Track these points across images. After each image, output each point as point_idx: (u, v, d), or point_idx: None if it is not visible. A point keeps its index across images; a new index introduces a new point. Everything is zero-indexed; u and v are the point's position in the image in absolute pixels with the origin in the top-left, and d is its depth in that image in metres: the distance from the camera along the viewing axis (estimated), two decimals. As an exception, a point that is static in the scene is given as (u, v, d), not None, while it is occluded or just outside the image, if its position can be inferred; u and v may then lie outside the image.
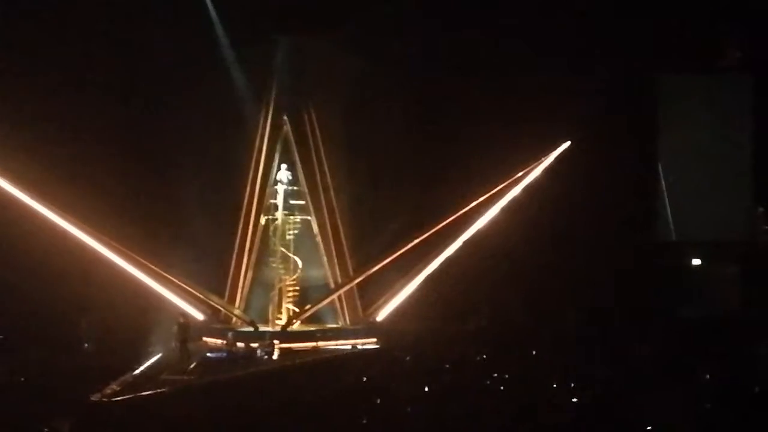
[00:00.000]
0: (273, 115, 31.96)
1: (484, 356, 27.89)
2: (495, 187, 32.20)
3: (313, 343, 30.23)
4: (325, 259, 31.87)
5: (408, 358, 27.59)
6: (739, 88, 34.35)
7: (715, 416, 20.87)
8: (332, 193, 31.94)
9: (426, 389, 23.20)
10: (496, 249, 32.14)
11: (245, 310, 31.61)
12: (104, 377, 24.31)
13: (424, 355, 27.77)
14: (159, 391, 23.71)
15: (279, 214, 31.49)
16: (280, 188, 31.58)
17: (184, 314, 29.45)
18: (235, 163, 31.86)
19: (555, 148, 33.02)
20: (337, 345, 30.50)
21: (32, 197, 28.78)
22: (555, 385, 23.43)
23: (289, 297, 31.45)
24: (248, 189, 31.90)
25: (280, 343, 29.12)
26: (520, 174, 32.57)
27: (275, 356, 28.59)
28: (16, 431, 20.09)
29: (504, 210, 32.29)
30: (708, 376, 24.03)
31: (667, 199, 34.65)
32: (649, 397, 22.07)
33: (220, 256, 31.66)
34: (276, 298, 31.42)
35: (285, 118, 31.81)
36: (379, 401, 22.02)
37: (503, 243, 32.11)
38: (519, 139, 31.62)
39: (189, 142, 31.01)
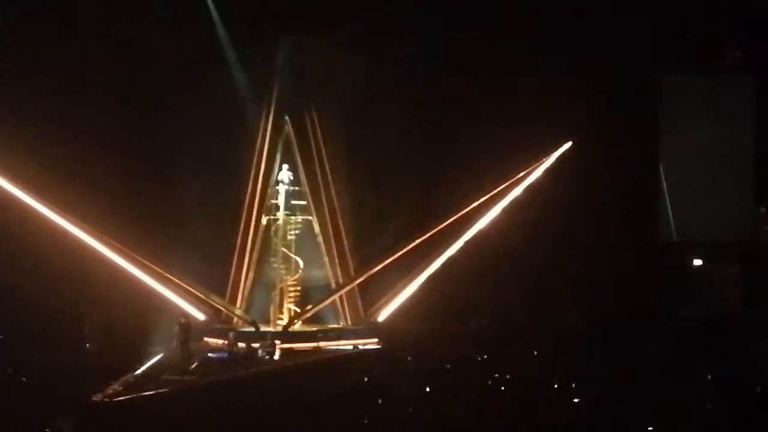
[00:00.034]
0: (274, 115, 31.98)
1: (486, 356, 27.93)
2: (496, 188, 32.21)
3: (315, 344, 30.23)
4: (326, 259, 31.88)
5: (409, 358, 27.59)
6: (740, 88, 34.34)
7: (717, 416, 20.88)
8: (333, 193, 31.94)
9: (427, 389, 23.22)
10: (498, 249, 32.15)
11: (246, 311, 31.62)
12: (106, 377, 24.30)
13: (425, 355, 27.77)
14: (160, 391, 23.67)
15: (280, 215, 31.50)
16: (282, 188, 31.59)
17: (186, 314, 29.42)
18: (237, 163, 31.87)
19: (556, 149, 33.02)
20: (338, 345, 30.50)
21: (34, 198, 28.79)
22: (556, 386, 23.44)
23: (290, 297, 31.45)
24: (249, 189, 31.91)
25: (282, 343, 29.12)
26: (521, 174, 32.57)
27: (276, 356, 28.59)
28: (17, 431, 20.10)
29: (505, 210, 32.29)
30: (709, 377, 24.05)
31: (668, 200, 34.63)
32: (651, 397, 22.07)
33: (222, 256, 31.65)
34: (277, 299, 31.41)
35: (286, 118, 31.83)
36: (380, 401, 22.04)
37: (504, 243, 32.13)
38: (520, 140, 31.63)
39: (191, 142, 31.03)
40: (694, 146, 34.56)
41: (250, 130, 32.23)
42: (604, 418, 20.97)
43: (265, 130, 32.08)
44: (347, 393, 23.11)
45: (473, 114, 32.66)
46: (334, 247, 31.83)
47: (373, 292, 32.21)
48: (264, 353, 28.52)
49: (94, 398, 22.52)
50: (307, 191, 31.69)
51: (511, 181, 32.44)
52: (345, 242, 32.00)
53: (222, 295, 31.53)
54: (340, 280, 31.80)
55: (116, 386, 23.73)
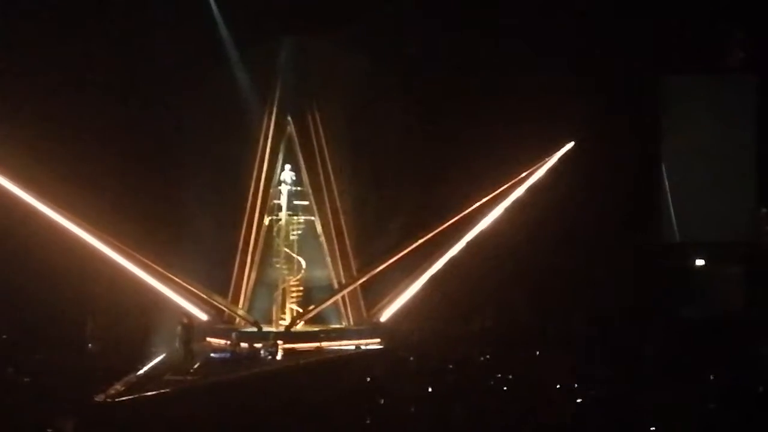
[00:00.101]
0: (277, 115, 31.97)
1: (488, 356, 27.92)
2: (499, 188, 32.23)
3: (317, 344, 30.24)
4: (328, 259, 31.87)
5: (412, 359, 27.60)
6: (742, 89, 34.36)
7: (718, 417, 20.88)
8: (336, 193, 31.93)
9: (430, 389, 23.22)
10: (500, 249, 32.17)
11: (249, 311, 31.61)
12: (108, 377, 24.33)
13: (427, 356, 27.78)
14: (162, 391, 23.70)
15: (283, 215, 31.50)
16: (284, 189, 31.58)
17: (188, 315, 29.40)
18: (239, 164, 31.86)
19: (557, 149, 33.04)
20: (340, 345, 30.51)
21: (37, 198, 28.81)
22: (558, 386, 23.43)
23: (292, 297, 31.46)
24: (252, 189, 31.90)
25: (284, 343, 29.15)
26: (523, 174, 32.60)
27: (279, 357, 28.61)
28: (19, 431, 20.12)
29: (508, 210, 32.31)
30: (711, 377, 24.04)
31: (670, 200, 34.65)
32: (652, 397, 22.07)
33: (224, 256, 31.64)
34: (279, 299, 31.41)
35: (289, 118, 31.83)
36: (382, 401, 22.03)
37: (507, 243, 32.15)
38: (521, 140, 31.64)
39: (193, 143, 31.00)
40: (695, 146, 34.58)
41: (252, 130, 32.22)
42: (606, 418, 20.97)
43: (268, 130, 32.08)
44: (349, 393, 23.09)
45: (474, 114, 32.66)
46: (336, 247, 31.82)
47: (376, 293, 32.20)
48: (266, 353, 28.53)
49: (96, 398, 22.55)
50: (310, 191, 31.70)
51: (513, 182, 32.47)
52: (347, 242, 32.00)
53: (224, 296, 31.54)
54: (343, 281, 31.80)
55: (118, 386, 23.76)
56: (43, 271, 29.09)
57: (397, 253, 31.45)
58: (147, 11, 30.90)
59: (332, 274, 31.94)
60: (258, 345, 28.90)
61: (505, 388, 23.98)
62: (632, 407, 21.49)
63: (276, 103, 32.05)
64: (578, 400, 22.40)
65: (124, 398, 22.80)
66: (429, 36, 32.42)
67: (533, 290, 32.46)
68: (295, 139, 31.81)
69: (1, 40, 29.69)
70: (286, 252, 31.30)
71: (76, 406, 21.44)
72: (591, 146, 32.80)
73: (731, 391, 22.71)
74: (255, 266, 31.74)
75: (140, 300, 29.97)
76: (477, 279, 31.99)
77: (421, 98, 32.86)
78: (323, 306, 31.65)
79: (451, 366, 26.03)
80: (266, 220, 31.71)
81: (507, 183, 32.43)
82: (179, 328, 28.11)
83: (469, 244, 32.02)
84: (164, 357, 27.94)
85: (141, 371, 26.07)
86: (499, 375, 24.78)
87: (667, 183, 34.75)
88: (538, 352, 27.94)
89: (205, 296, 30.83)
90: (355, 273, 31.98)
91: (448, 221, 31.75)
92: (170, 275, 30.02)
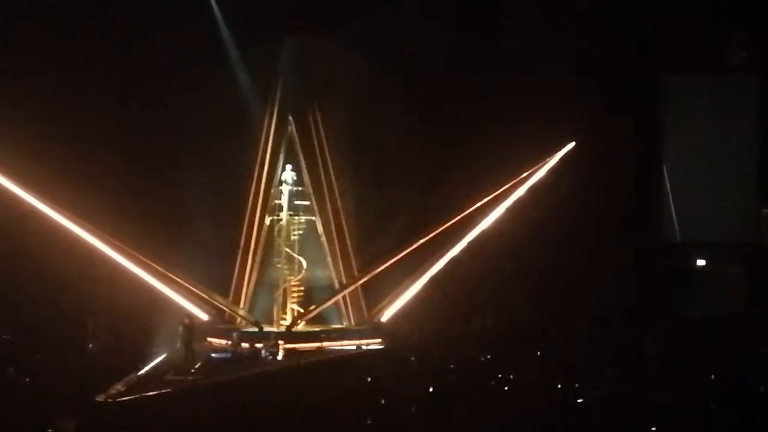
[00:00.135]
0: (278, 115, 31.96)
1: (489, 356, 27.91)
2: (500, 188, 32.21)
3: (318, 344, 30.20)
4: (329, 259, 31.86)
5: (413, 359, 27.60)
6: (743, 88, 34.39)
7: (720, 416, 20.87)
8: (337, 193, 31.93)
9: (431, 389, 23.21)
10: (501, 249, 32.17)
11: (250, 311, 31.58)
12: (109, 378, 24.30)
13: (428, 356, 27.78)
14: (164, 391, 23.65)
15: (284, 215, 31.48)
16: (285, 189, 31.56)
17: (189, 315, 29.34)
18: (240, 164, 31.86)
19: (558, 149, 33.03)
20: (341, 345, 30.46)
21: (37, 198, 28.80)
22: (560, 386, 23.42)
23: (293, 297, 31.44)
24: (253, 189, 31.87)
25: (285, 343, 29.11)
26: (524, 174, 32.58)
27: (280, 357, 28.57)
28: (20, 431, 20.11)
29: (509, 210, 32.29)
30: (713, 377, 24.04)
31: (671, 200, 34.65)
32: (654, 397, 22.06)
33: (225, 256, 31.63)
34: (281, 299, 31.39)
35: (290, 118, 31.83)
36: (383, 401, 22.03)
37: (508, 243, 32.15)
38: (522, 140, 31.63)
39: (194, 142, 30.98)
40: (696, 146, 34.61)
41: (253, 130, 32.22)
42: (607, 418, 20.97)
43: (269, 130, 32.07)
44: (350, 393, 23.10)
45: (475, 114, 32.67)
46: (337, 247, 31.81)
47: (377, 293, 32.18)
48: (267, 353, 28.49)
49: (98, 398, 22.52)
50: (311, 191, 31.68)
51: (514, 182, 32.45)
52: (348, 242, 31.99)
53: (225, 296, 31.52)
54: (344, 281, 31.78)
55: (119, 386, 23.71)
56: (44, 271, 29.08)
57: (398, 253, 31.42)
58: (147, 11, 30.92)
59: (333, 274, 31.91)
60: (259, 345, 28.85)
61: (506, 388, 23.98)
62: (633, 407, 21.48)
63: (277, 103, 32.04)
64: (579, 400, 22.39)
65: (125, 398, 22.75)
66: (429, 36, 32.40)
67: (534, 290, 32.46)
68: (296, 139, 31.80)
69: (1, 40, 29.69)
70: (287, 252, 31.28)
71: (77, 406, 21.45)
72: (592, 146, 32.78)
73: (732, 391, 22.72)
74: (256, 266, 31.72)
75: (141, 300, 29.94)
76: (478, 279, 31.99)
77: (421, 98, 32.83)
78: (324, 306, 31.62)
79: (452, 366, 26.03)
80: (267, 220, 31.69)
81: (508, 183, 32.39)
82: (180, 328, 28.02)
83: (470, 244, 32.00)
84: (165, 357, 27.91)
85: (142, 371, 26.03)
86: (500, 375, 24.78)
87: (668, 183, 34.77)
88: (539, 352, 27.93)
89: (206, 296, 30.80)
90: (356, 273, 31.96)
91: (449, 221, 31.71)
92: (171, 275, 29.99)
